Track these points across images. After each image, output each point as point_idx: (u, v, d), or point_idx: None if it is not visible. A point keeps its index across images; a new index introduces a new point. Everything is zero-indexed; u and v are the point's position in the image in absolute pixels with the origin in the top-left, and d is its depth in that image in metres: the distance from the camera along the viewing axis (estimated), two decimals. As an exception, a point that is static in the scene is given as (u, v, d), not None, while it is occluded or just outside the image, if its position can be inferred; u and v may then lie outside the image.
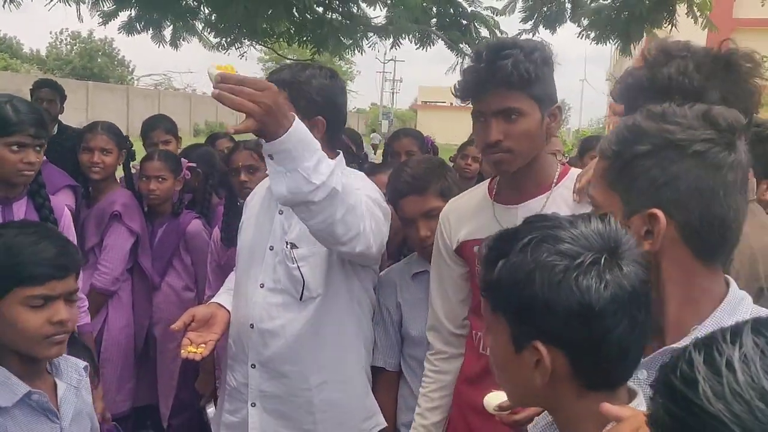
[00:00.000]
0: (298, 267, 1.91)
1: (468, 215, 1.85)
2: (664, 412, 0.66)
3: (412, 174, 2.11)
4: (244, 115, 1.45)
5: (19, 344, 1.58)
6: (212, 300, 2.15)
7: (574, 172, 1.77)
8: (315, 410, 1.95)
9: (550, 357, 0.93)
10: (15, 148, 2.17)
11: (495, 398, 1.44)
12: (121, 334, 3.02)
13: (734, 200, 1.07)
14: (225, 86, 1.42)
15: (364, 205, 1.75)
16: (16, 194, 2.28)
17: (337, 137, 2.04)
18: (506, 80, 1.60)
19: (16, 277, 1.55)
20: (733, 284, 1.12)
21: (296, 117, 1.52)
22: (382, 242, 1.89)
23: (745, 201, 1.10)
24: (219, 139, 4.17)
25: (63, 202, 2.53)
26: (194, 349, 1.88)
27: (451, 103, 54.66)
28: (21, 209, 2.28)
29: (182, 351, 1.88)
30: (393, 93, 55.90)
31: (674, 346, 1.06)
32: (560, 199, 1.72)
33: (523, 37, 5.57)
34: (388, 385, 2.21)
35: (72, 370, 1.73)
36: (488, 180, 1.91)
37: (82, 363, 1.76)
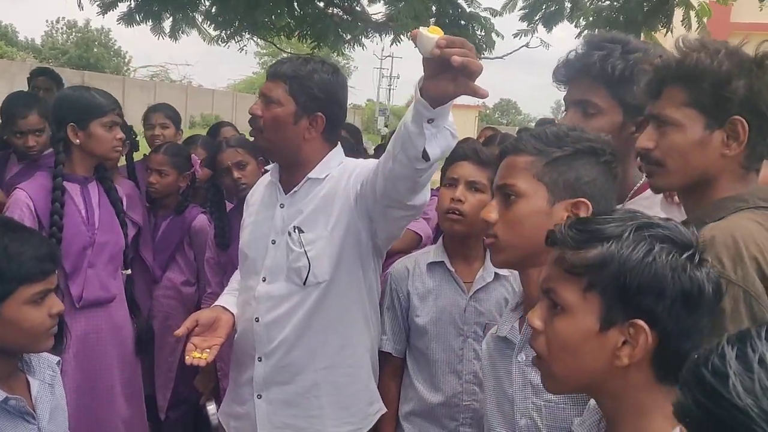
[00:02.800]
0: (305, 251, 1.90)
1: None
2: (693, 403, 0.67)
3: (481, 149, 2.19)
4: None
5: (21, 342, 1.60)
6: (216, 303, 2.14)
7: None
8: (321, 393, 1.96)
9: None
10: (108, 127, 2.47)
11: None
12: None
13: (614, 205, 1.40)
14: (456, 50, 1.34)
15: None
16: (90, 176, 2.55)
17: (336, 134, 2.03)
18: (586, 70, 1.61)
19: (20, 276, 1.56)
20: None
21: None
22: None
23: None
24: (223, 127, 4.16)
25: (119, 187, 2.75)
26: (198, 354, 1.87)
27: (448, 101, 54.41)
28: (94, 190, 2.55)
29: (186, 357, 1.87)
30: (390, 89, 55.80)
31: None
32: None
33: (525, 38, 5.60)
34: (393, 370, 2.24)
35: (45, 367, 1.72)
36: None
37: (55, 358, 1.77)
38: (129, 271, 2.63)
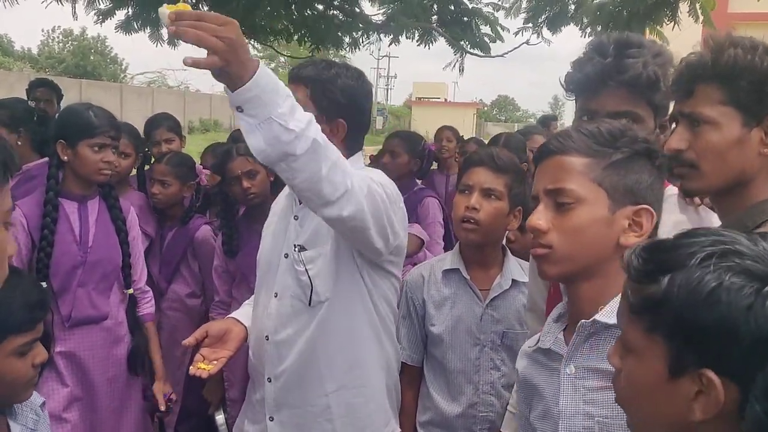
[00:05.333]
0: (306, 270, 1.83)
1: None
2: (765, 416, 0.63)
3: (498, 155, 2.11)
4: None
5: (1, 395, 1.51)
6: (231, 314, 2.08)
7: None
8: (334, 417, 1.89)
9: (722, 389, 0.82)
10: (96, 148, 2.39)
11: None
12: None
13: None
14: (183, 22, 1.30)
15: (358, 178, 1.63)
16: (91, 193, 2.49)
17: (359, 142, 1.94)
18: (632, 81, 1.50)
19: (8, 326, 1.48)
20: None
21: (260, 61, 1.40)
22: (382, 226, 1.73)
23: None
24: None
25: (128, 202, 2.71)
26: (203, 365, 1.81)
27: (446, 99, 54.64)
28: (94, 207, 2.50)
29: (191, 367, 1.82)
30: (387, 89, 55.85)
31: (596, 318, 1.18)
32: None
33: (524, 34, 5.56)
34: (410, 379, 2.19)
35: (28, 410, 1.62)
36: None
37: (40, 400, 1.67)
38: (132, 290, 2.56)
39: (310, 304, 1.84)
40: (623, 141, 1.22)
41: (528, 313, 1.96)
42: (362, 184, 1.62)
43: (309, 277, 1.83)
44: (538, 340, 1.36)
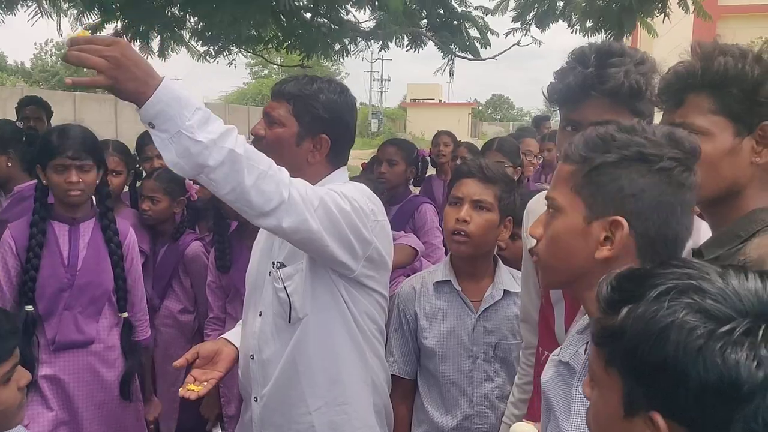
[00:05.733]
0: (285, 287, 1.81)
1: None
2: None
3: (487, 165, 2.11)
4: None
5: None
6: (223, 335, 2.06)
7: None
8: None
9: None
10: (60, 170, 2.35)
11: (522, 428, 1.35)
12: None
13: (688, 219, 1.14)
14: (73, 47, 1.37)
15: (306, 185, 1.63)
16: (82, 216, 2.45)
17: (343, 157, 1.93)
18: (614, 90, 1.48)
19: None
20: None
21: (165, 76, 1.43)
22: (344, 239, 1.70)
23: (692, 221, 1.17)
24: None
25: (127, 222, 2.68)
26: (193, 387, 1.80)
27: (440, 100, 54.65)
28: (87, 230, 2.46)
29: (181, 389, 1.80)
30: (381, 92, 55.82)
31: None
32: None
33: (516, 35, 5.55)
34: (403, 393, 2.17)
35: None
36: None
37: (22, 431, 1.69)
38: (126, 314, 2.51)
39: (289, 321, 1.82)
40: (611, 145, 1.14)
41: (522, 324, 1.95)
42: (313, 196, 1.62)
43: (287, 293, 1.81)
44: (560, 351, 1.30)
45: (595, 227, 1.13)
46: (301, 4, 5.04)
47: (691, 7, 4.89)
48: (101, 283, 2.44)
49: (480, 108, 67.84)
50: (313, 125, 1.81)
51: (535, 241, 1.24)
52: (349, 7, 5.27)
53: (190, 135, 1.41)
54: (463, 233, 2.04)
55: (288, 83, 1.87)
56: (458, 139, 5.22)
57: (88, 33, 1.45)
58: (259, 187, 1.50)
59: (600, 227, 1.13)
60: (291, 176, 1.82)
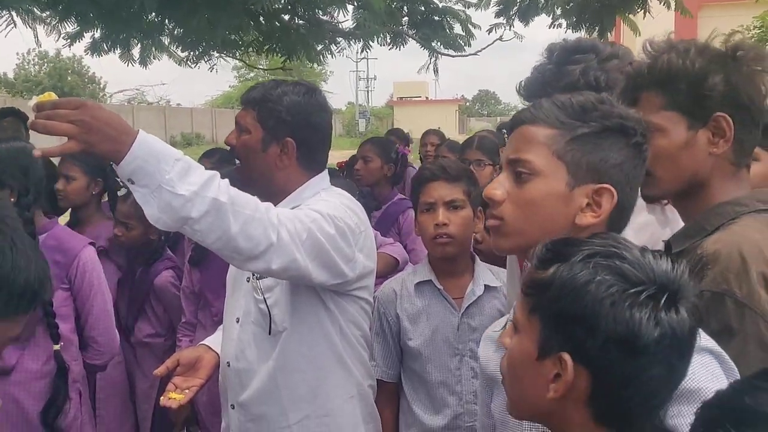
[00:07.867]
0: (264, 299, 1.79)
1: None
2: None
3: (448, 164, 2.14)
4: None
5: None
6: (204, 341, 2.02)
7: None
8: None
9: (574, 374, 0.88)
10: None
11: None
12: (116, 371, 2.88)
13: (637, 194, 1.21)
14: (40, 114, 1.32)
15: (294, 216, 1.59)
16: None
17: (317, 160, 1.89)
18: (569, 88, 1.45)
19: None
20: None
21: (141, 130, 1.39)
22: (332, 266, 1.69)
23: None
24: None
25: (89, 244, 2.47)
26: (174, 395, 1.77)
27: (427, 97, 54.65)
28: None
29: (162, 398, 1.78)
30: (368, 91, 55.79)
31: None
32: None
33: (499, 30, 5.54)
34: (387, 396, 2.15)
35: None
36: None
37: None
38: (59, 346, 2.29)
39: (270, 333, 1.80)
40: (594, 115, 1.14)
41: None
42: (301, 229, 1.59)
43: (267, 306, 1.78)
44: (505, 324, 1.28)
45: (577, 193, 1.13)
46: (278, 6, 5.01)
47: (672, 3, 4.91)
48: None
49: (467, 104, 67.93)
50: (277, 129, 1.79)
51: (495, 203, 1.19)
52: (327, 8, 5.25)
53: (171, 189, 1.38)
54: (445, 236, 2.05)
55: (254, 90, 1.86)
56: (446, 138, 5.23)
57: (54, 96, 1.38)
58: (246, 233, 1.47)
59: (582, 194, 1.13)
60: (263, 183, 1.82)
